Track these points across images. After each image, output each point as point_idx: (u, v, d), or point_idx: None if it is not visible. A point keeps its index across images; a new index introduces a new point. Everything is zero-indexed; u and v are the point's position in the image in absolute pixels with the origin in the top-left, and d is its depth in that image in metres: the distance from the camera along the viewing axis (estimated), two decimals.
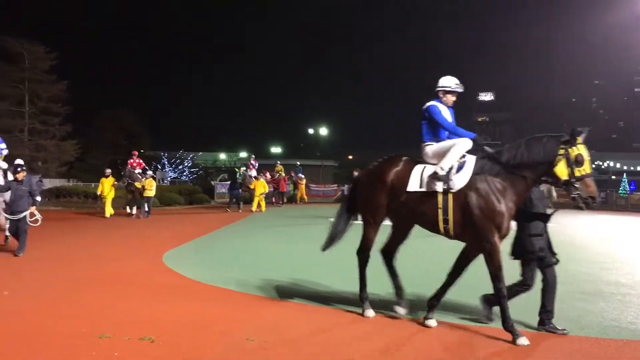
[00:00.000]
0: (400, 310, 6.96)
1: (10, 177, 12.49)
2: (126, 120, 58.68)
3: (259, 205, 26.46)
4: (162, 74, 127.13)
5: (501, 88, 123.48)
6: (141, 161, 24.39)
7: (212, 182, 37.49)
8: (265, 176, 32.04)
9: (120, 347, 5.60)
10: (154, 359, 5.31)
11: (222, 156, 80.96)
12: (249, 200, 27.65)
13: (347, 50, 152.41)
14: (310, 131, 69.65)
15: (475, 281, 6.99)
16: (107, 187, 22.34)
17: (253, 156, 32.60)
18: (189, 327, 6.41)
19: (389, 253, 7.24)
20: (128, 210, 23.07)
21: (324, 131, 65.86)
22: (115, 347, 5.61)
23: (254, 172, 28.66)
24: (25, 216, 11.54)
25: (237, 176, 29.58)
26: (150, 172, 23.80)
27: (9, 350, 5.52)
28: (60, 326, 6.43)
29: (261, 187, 26.81)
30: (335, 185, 43.20)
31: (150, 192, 22.58)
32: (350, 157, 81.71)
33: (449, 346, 5.89)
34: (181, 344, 5.78)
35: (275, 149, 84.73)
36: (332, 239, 7.43)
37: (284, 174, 33.01)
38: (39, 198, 12.28)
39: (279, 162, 35.34)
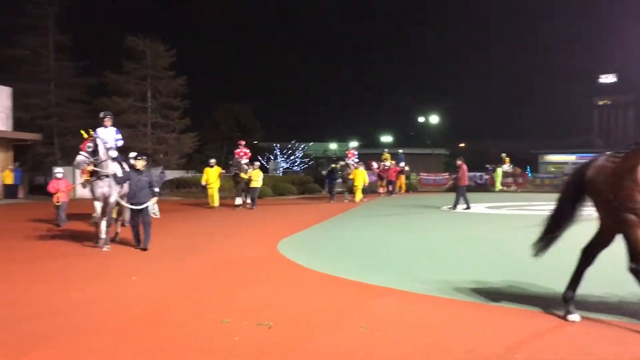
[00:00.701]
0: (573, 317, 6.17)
1: (126, 167, 12.65)
2: (240, 113, 60.68)
3: (362, 194, 26.19)
4: (275, 66, 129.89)
5: (624, 69, 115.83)
6: (248, 151, 24.15)
7: (323, 172, 37.98)
8: (372, 166, 31.67)
9: (239, 332, 5.83)
10: (271, 345, 5.48)
11: (333, 146, 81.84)
12: (350, 191, 27.16)
13: (459, 37, 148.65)
14: (421, 119, 68.78)
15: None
16: (212, 177, 22.50)
17: (352, 145, 32.15)
18: (305, 314, 6.58)
19: (591, 253, 6.29)
20: (237, 201, 23.01)
21: (434, 119, 64.87)
22: (235, 332, 5.85)
23: (352, 162, 27.92)
24: (146, 207, 11.44)
25: (335, 167, 28.76)
26: (257, 163, 23.60)
27: (138, 333, 5.90)
28: (183, 311, 6.80)
29: (361, 177, 26.20)
30: (447, 174, 42.55)
31: (257, 182, 22.46)
32: (462, 145, 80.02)
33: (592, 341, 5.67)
34: (297, 330, 5.94)
35: (386, 138, 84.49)
36: (548, 243, 6.53)
37: (391, 163, 32.09)
38: (157, 189, 12.13)
39: (386, 150, 34.72)
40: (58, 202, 15.79)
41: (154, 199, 11.76)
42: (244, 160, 23.25)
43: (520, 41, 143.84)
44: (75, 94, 38.45)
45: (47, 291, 7.91)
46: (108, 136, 12.62)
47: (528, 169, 47.77)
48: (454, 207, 20.92)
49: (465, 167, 21.61)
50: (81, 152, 11.44)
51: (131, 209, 11.59)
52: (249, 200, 22.57)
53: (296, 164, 72.61)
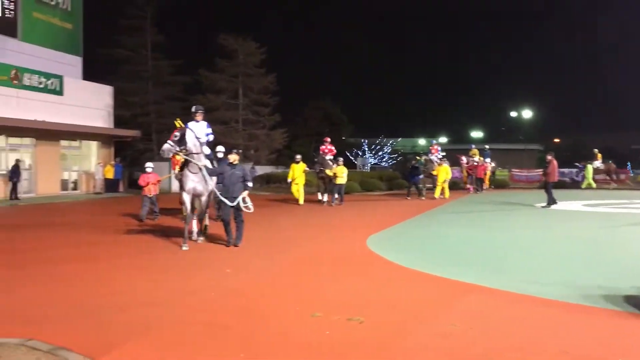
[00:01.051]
0: None
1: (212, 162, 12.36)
2: (329, 109, 61.07)
3: (442, 192, 25.22)
4: (364, 62, 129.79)
5: None
6: (332, 147, 23.79)
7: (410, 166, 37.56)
8: (462, 160, 30.84)
9: (330, 326, 5.92)
10: (362, 340, 5.52)
11: (421, 142, 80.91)
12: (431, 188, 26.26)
13: (552, 32, 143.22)
14: (513, 114, 66.81)
15: None
16: (297, 172, 22.23)
17: (434, 141, 31.03)
18: (395, 310, 6.59)
19: None
20: (319, 197, 22.80)
21: (527, 114, 62.84)
22: (326, 326, 5.94)
23: (435, 157, 27.17)
24: (239, 202, 11.10)
25: (418, 160, 27.55)
26: (341, 159, 22.84)
27: (231, 324, 6.09)
28: (275, 304, 6.97)
29: (444, 173, 25.23)
30: (541, 170, 41.12)
31: (342, 179, 21.94)
32: (557, 140, 77.05)
33: None
34: (388, 326, 5.96)
35: (476, 134, 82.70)
36: None
37: (480, 160, 30.64)
38: (250, 184, 11.67)
39: (473, 146, 33.60)
40: (150, 194, 16.28)
41: (246, 192, 11.26)
42: (329, 157, 23.03)
43: (626, 29, 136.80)
44: (172, 92, 39.92)
45: (146, 283, 8.32)
46: (199, 130, 12.18)
47: (629, 165, 45.43)
48: (548, 204, 20.24)
49: (555, 162, 20.78)
50: (168, 141, 11.25)
51: (223, 204, 11.28)
52: (336, 195, 22.13)
53: (384, 159, 72.36)
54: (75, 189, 30.56)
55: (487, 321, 6.11)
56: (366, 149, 73.46)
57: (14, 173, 24.73)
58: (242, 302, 7.04)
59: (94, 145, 32.28)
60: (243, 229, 11.34)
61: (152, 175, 16.77)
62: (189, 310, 6.64)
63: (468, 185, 30.21)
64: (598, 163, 33.16)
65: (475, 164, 29.96)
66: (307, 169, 22.95)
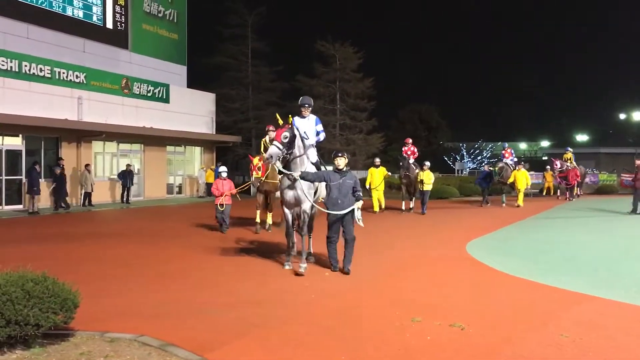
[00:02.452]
0: None
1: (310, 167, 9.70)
2: (426, 113, 60.38)
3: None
4: (462, 65, 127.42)
5: None
6: (415, 149, 22.05)
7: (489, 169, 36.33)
8: (556, 165, 28.32)
9: (431, 332, 5.83)
10: (465, 347, 5.40)
11: (523, 146, 78.38)
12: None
13: None
14: (622, 116, 63.39)
15: None
16: (376, 178, 20.56)
17: (507, 144, 28.13)
18: (499, 318, 6.41)
19: None
20: (404, 206, 21.00)
21: (638, 116, 59.45)
22: (427, 331, 5.85)
23: (510, 161, 24.96)
24: (351, 218, 9.12)
25: (493, 169, 25.69)
26: (427, 163, 20.46)
27: (331, 325, 6.13)
28: (374, 307, 6.95)
29: (523, 179, 23.08)
30: None
31: (428, 185, 20.06)
32: None
33: None
34: (492, 334, 5.79)
35: (581, 137, 79.08)
36: None
37: (573, 164, 28.24)
38: (361, 193, 9.30)
39: (569, 148, 31.13)
40: (222, 205, 14.45)
41: (359, 204, 9.11)
42: (411, 160, 21.44)
43: None
44: (271, 98, 40.76)
45: (249, 283, 8.52)
46: (307, 128, 9.99)
47: None
48: (634, 211, 19.04)
49: (576, 170, 19.73)
50: (275, 143, 9.05)
51: (330, 219, 9.22)
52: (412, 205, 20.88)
53: (483, 164, 70.61)
54: (180, 192, 31.86)
55: (600, 332, 5.82)
56: (465, 153, 72.03)
57: (125, 177, 26.01)
58: (341, 304, 7.07)
59: (197, 150, 33.57)
60: (353, 249, 9.23)
61: (227, 182, 14.88)
62: (291, 311, 6.73)
63: (560, 194, 28.35)
64: None
65: (567, 168, 27.74)
66: (389, 174, 21.75)
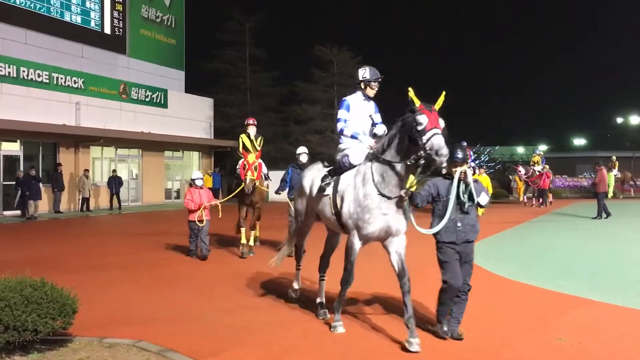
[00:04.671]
0: None
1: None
2: None
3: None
4: (457, 69, 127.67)
5: None
6: (471, 152, 20.45)
7: (510, 177, 36.44)
8: (519, 172, 26.77)
9: (429, 337, 5.83)
10: (464, 351, 5.41)
11: (520, 150, 78.46)
12: None
13: None
14: (619, 120, 63.46)
15: None
16: None
17: (464, 143, 23.90)
18: (496, 322, 6.42)
19: None
20: None
21: (635, 120, 59.55)
22: (425, 336, 5.82)
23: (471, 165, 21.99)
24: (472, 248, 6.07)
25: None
26: None
27: (325, 329, 6.15)
28: (373, 312, 6.96)
29: (485, 183, 19.19)
30: None
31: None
32: None
33: None
34: (490, 338, 5.80)
35: (578, 141, 79.08)
36: None
37: (544, 168, 25.90)
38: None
39: (537, 150, 29.97)
40: (200, 222, 11.15)
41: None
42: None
43: None
44: (269, 103, 40.80)
45: (248, 288, 8.52)
46: (369, 114, 6.81)
47: None
48: (598, 216, 18.90)
49: (604, 171, 19.51)
50: (436, 131, 5.42)
51: (448, 255, 5.91)
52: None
53: (482, 168, 70.73)
54: (178, 197, 31.84)
55: (598, 336, 5.83)
56: None
57: (112, 183, 25.59)
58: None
59: (195, 155, 33.62)
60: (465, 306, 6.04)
61: (204, 192, 11.63)
62: (289, 317, 6.75)
63: (525, 199, 26.72)
64: (615, 171, 30.37)
65: (538, 172, 25.69)
66: None
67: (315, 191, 6.67)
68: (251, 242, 12.07)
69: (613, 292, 7.80)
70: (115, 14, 28.98)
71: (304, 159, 11.76)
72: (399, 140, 5.71)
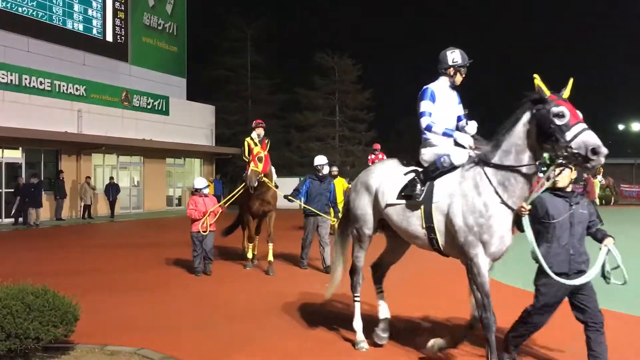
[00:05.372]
0: None
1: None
2: None
3: None
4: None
5: None
6: (384, 157, 18.32)
7: None
8: None
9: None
10: (465, 356, 5.43)
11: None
12: None
13: None
14: (620, 127, 63.50)
15: None
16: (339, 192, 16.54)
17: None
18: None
19: None
20: None
21: (636, 126, 59.61)
22: (424, 341, 5.84)
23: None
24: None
25: None
26: None
27: (332, 337, 6.16)
28: (375, 319, 6.97)
29: None
30: None
31: None
32: None
33: None
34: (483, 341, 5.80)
35: None
36: None
37: None
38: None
39: None
40: (205, 232, 10.07)
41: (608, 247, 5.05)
42: None
43: None
44: (270, 110, 40.88)
45: (248, 296, 8.53)
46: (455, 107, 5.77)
47: None
48: None
49: (593, 180, 19.57)
50: (581, 125, 4.52)
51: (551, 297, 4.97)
52: None
53: None
54: (179, 204, 31.88)
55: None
56: None
57: (109, 191, 25.40)
58: (340, 318, 7.07)
59: (197, 162, 33.67)
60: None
61: (209, 200, 10.44)
62: (290, 324, 6.76)
63: None
64: (600, 177, 30.27)
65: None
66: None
67: (389, 197, 5.43)
68: (250, 255, 11.09)
69: (614, 299, 7.75)
70: (117, 21, 29.08)
71: (325, 170, 11.06)
72: (523, 138, 4.75)
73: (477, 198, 4.86)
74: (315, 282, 9.36)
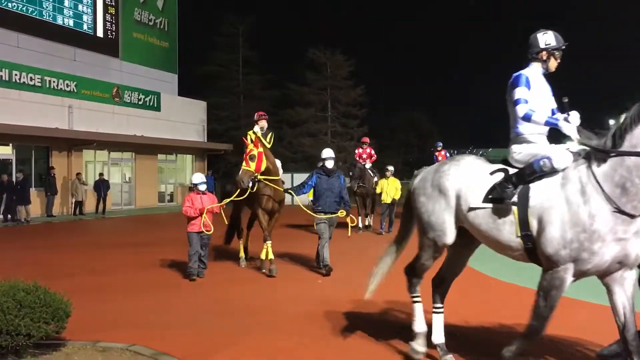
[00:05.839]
0: None
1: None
2: (417, 120, 60.65)
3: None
4: (452, 71, 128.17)
5: None
6: (372, 151, 18.36)
7: None
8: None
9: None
10: (456, 352, 5.42)
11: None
12: None
13: None
14: (611, 122, 63.85)
15: None
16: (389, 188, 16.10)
17: (440, 144, 20.99)
18: (488, 323, 6.45)
19: None
20: (360, 222, 16.59)
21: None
22: None
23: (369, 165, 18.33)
24: None
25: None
26: (391, 168, 16.61)
27: (325, 333, 6.16)
28: (368, 315, 6.96)
29: (393, 188, 16.21)
30: None
31: (388, 197, 16.00)
32: None
33: None
34: (482, 338, 5.83)
35: (571, 143, 79.44)
36: None
37: None
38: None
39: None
40: (208, 231, 9.41)
41: None
42: (368, 165, 17.57)
43: None
44: (262, 106, 40.60)
45: (241, 292, 8.52)
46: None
47: None
48: None
49: None
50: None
51: None
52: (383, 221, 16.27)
53: None
54: (171, 200, 31.80)
55: (591, 337, 5.84)
56: None
57: (99, 187, 25.11)
58: (333, 313, 7.08)
59: (188, 158, 33.58)
60: None
61: (207, 198, 9.62)
62: (283, 319, 6.75)
63: None
64: None
65: None
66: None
67: (473, 200, 4.71)
68: (242, 253, 10.83)
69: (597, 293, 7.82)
70: (108, 17, 28.92)
71: (330, 164, 9.94)
72: None
73: (582, 207, 4.17)
74: (308, 280, 9.38)
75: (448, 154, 19.38)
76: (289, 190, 10.15)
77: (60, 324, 5.16)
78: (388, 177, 16.33)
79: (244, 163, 9.37)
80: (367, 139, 18.31)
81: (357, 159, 17.89)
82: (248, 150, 9.43)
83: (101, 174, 25.92)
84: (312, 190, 10.05)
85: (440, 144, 20.55)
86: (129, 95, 28.70)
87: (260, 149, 9.52)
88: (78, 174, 24.50)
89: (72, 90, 25.48)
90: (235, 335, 6.04)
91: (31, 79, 23.67)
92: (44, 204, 23.05)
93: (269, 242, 9.66)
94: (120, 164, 29.14)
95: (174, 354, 5.33)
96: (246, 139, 9.89)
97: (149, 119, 29.62)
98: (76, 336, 5.70)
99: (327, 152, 10.22)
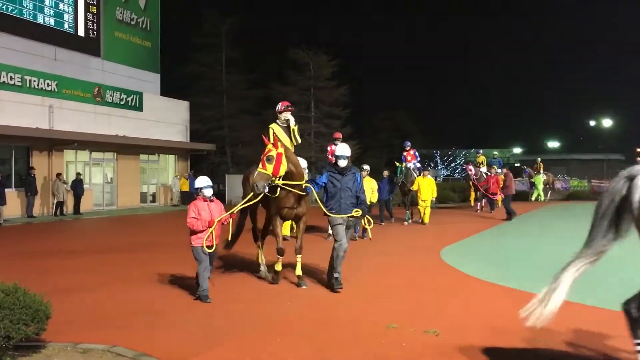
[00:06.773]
0: None
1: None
2: (400, 120, 60.88)
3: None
4: (432, 72, 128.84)
5: None
6: (416, 153, 20.67)
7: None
8: (470, 171, 24.42)
9: (406, 338, 5.85)
10: (440, 354, 5.44)
11: (495, 152, 79.35)
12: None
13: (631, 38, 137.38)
14: (592, 123, 64.60)
15: None
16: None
17: (409, 143, 21.24)
18: (472, 324, 6.45)
19: None
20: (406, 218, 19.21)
21: (607, 123, 60.69)
22: (402, 337, 5.88)
23: (412, 165, 19.94)
24: None
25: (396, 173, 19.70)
26: (366, 167, 16.55)
27: (309, 332, 6.15)
28: (352, 314, 6.98)
29: (429, 188, 18.57)
30: None
31: (428, 194, 18.49)
32: None
33: None
34: (466, 339, 5.82)
35: (552, 144, 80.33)
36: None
37: (495, 170, 23.00)
38: None
39: (480, 151, 29.81)
40: (210, 247, 7.78)
41: None
42: (411, 165, 19.82)
43: None
44: (246, 106, 40.71)
45: (225, 293, 8.48)
46: None
47: None
48: (508, 218, 19.07)
49: (511, 174, 20.00)
50: None
51: None
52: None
53: (457, 171, 71.37)
54: (153, 201, 31.61)
55: (565, 335, 5.89)
56: (439, 160, 72.71)
57: (77, 187, 24.85)
58: (318, 312, 7.10)
59: (171, 158, 33.41)
60: None
61: (215, 206, 8.09)
62: (266, 320, 6.72)
63: (476, 204, 24.56)
64: (542, 174, 30.64)
65: (486, 175, 23.42)
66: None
67: None
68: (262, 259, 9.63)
69: (591, 294, 7.88)
70: (90, 15, 28.67)
71: (342, 163, 8.63)
72: None
73: None
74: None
75: (417, 153, 21.18)
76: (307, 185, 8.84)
77: (40, 326, 5.11)
78: (425, 176, 18.70)
79: (260, 164, 8.23)
80: (339, 135, 17.42)
81: (330, 155, 16.95)
82: (266, 150, 8.26)
83: (79, 174, 25.62)
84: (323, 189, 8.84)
85: (409, 143, 21.45)
86: (110, 95, 28.47)
87: (281, 150, 8.29)
88: (58, 174, 24.25)
89: (52, 89, 25.22)
90: (217, 336, 6.01)
91: (11, 78, 23.38)
92: (24, 205, 22.80)
93: (299, 256, 8.72)
94: (101, 164, 28.89)
95: (156, 355, 5.29)
96: (266, 137, 8.80)
97: (131, 118, 29.41)
98: (56, 338, 5.65)
99: (341, 150, 8.83)
